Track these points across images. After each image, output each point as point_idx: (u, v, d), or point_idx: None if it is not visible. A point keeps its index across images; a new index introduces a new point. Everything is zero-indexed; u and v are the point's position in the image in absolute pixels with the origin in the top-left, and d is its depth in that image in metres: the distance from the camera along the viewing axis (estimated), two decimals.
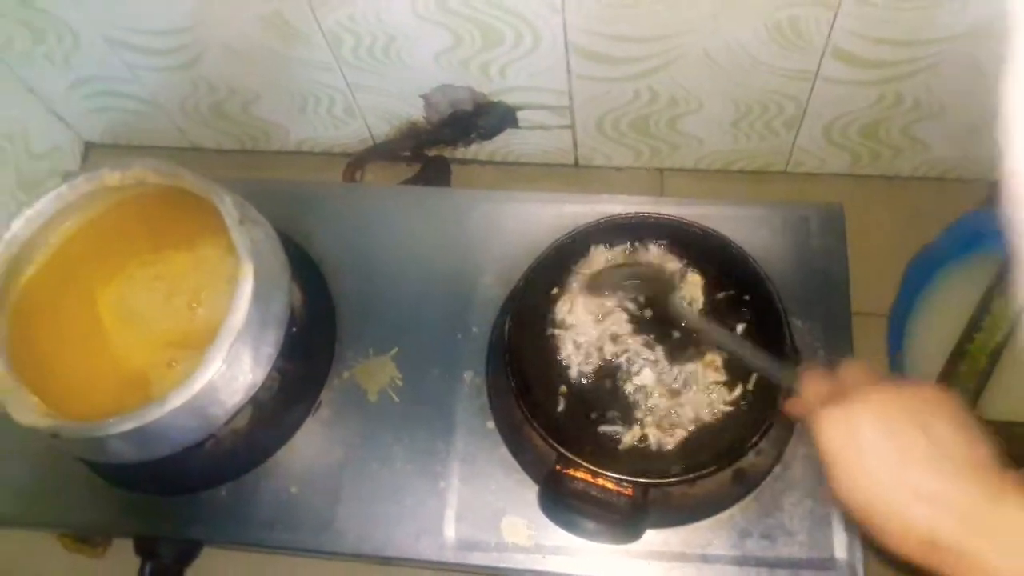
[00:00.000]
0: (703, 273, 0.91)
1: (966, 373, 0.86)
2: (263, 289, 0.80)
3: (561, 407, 0.86)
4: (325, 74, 1.11)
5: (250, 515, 0.87)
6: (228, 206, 0.82)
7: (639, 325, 0.90)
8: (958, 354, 0.87)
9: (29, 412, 0.77)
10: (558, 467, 0.78)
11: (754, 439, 0.76)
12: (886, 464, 0.52)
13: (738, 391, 0.85)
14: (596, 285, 0.90)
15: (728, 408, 0.85)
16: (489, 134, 1.19)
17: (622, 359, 0.89)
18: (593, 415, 0.86)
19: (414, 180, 1.20)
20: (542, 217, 0.97)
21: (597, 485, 0.77)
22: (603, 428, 0.85)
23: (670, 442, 0.84)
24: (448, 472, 0.87)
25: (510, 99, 1.13)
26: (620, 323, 0.90)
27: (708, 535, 0.82)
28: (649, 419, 0.85)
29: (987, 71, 0.94)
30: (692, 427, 0.84)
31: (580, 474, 0.77)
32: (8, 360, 0.80)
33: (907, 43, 0.94)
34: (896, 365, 0.96)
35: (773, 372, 0.70)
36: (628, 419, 0.85)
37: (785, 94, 1.04)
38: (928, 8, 0.88)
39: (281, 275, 0.86)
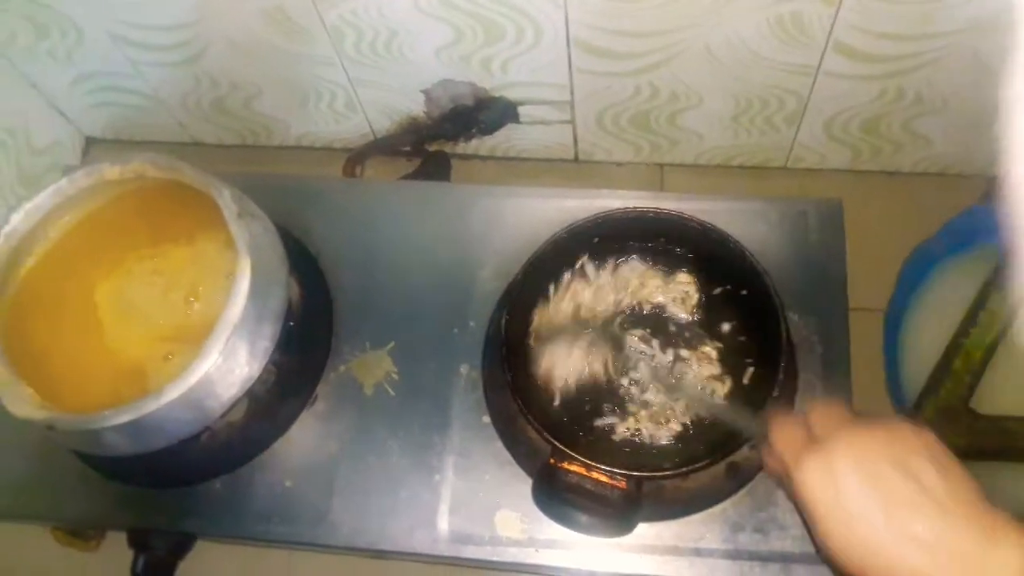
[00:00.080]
0: (700, 267, 0.91)
1: (961, 368, 0.86)
2: (261, 283, 0.80)
3: (556, 401, 0.87)
4: (327, 69, 1.12)
5: (245, 508, 0.87)
6: (227, 200, 0.82)
7: (634, 320, 0.90)
8: (953, 349, 0.87)
9: (24, 404, 0.77)
10: (552, 460, 0.78)
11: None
12: (872, 511, 0.50)
13: (733, 385, 0.85)
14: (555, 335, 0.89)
15: (723, 401, 0.85)
16: (490, 129, 1.19)
17: (620, 351, 0.89)
18: (588, 409, 0.86)
19: (414, 175, 1.20)
20: (542, 212, 0.97)
21: (591, 478, 0.76)
22: (598, 422, 0.85)
23: (664, 436, 0.84)
24: (443, 466, 0.87)
25: (511, 94, 1.13)
26: (613, 300, 0.91)
27: (701, 529, 0.82)
28: (643, 413, 0.85)
29: (989, 66, 0.94)
30: (686, 421, 0.84)
31: (574, 467, 0.77)
32: (3, 352, 0.80)
33: (909, 37, 0.93)
34: (890, 361, 0.96)
35: (737, 424, 0.69)
36: (622, 413, 0.85)
37: (786, 89, 1.04)
38: (930, 2, 0.88)
39: (279, 269, 0.86)
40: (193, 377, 0.76)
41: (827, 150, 1.14)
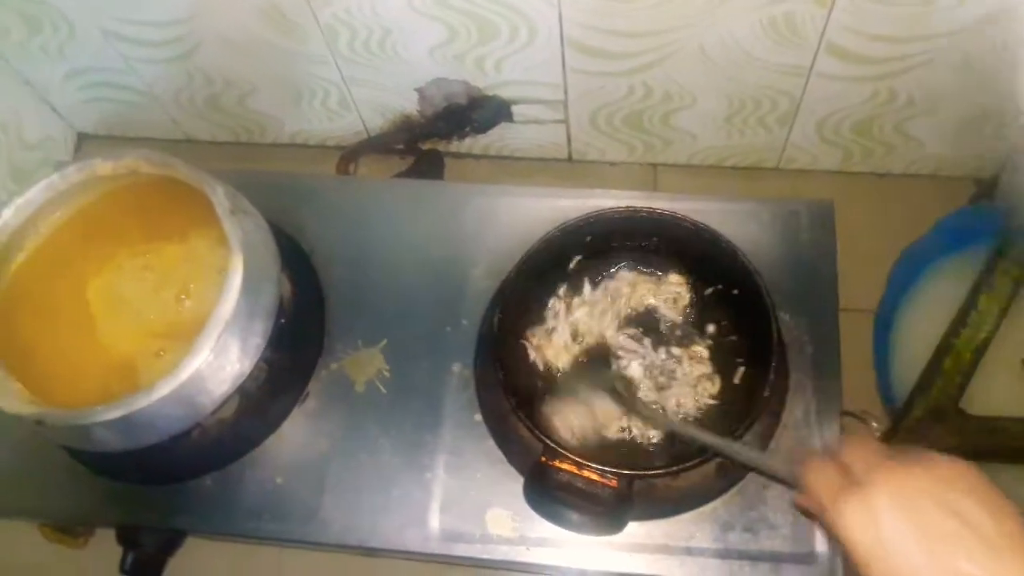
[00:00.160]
0: (692, 267, 0.92)
1: (951, 368, 0.86)
2: (253, 280, 0.80)
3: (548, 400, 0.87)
4: (320, 67, 1.12)
5: (235, 505, 0.87)
6: (220, 196, 0.82)
7: (627, 320, 0.90)
8: (944, 349, 0.87)
9: (13, 399, 0.77)
10: (544, 459, 0.78)
11: (738, 431, 0.76)
12: (914, 550, 0.49)
13: (723, 384, 0.85)
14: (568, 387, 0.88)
15: (713, 401, 0.85)
16: (483, 128, 1.19)
17: (612, 351, 0.89)
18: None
19: (408, 173, 1.20)
20: (535, 211, 0.97)
21: (582, 476, 0.77)
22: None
23: (655, 435, 0.84)
24: (434, 464, 0.87)
25: (505, 93, 1.13)
26: (609, 319, 0.91)
27: (691, 528, 0.82)
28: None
29: (980, 68, 0.94)
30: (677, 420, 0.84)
31: (565, 466, 0.77)
32: None
33: (901, 39, 0.94)
34: (880, 361, 0.96)
35: (773, 469, 0.66)
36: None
37: (779, 90, 1.04)
38: (923, 5, 0.88)
39: (271, 266, 0.86)
40: (184, 373, 0.76)
41: (819, 151, 1.14)
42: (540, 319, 0.92)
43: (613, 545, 0.82)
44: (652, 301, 0.92)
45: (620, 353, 0.89)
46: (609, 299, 0.92)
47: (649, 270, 0.93)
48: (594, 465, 0.76)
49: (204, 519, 0.87)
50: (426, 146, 1.24)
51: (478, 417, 0.89)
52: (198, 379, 0.77)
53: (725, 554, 0.80)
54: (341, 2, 0.99)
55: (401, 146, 1.23)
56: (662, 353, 0.89)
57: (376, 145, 1.24)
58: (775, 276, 0.87)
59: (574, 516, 0.78)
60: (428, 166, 1.21)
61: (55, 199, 0.87)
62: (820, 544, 0.80)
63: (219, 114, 1.24)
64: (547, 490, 0.78)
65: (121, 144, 1.32)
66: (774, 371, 0.78)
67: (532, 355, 0.90)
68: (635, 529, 0.82)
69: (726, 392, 0.85)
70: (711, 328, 0.90)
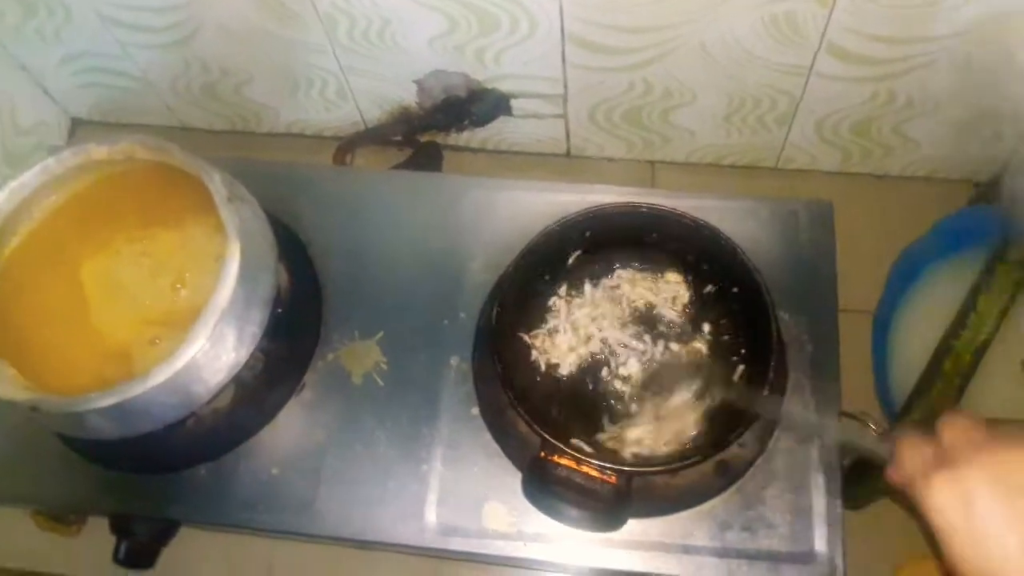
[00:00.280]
0: (691, 265, 0.91)
1: (950, 370, 0.86)
2: (250, 268, 0.79)
3: (547, 394, 0.87)
4: (319, 56, 1.11)
5: (229, 495, 0.86)
6: (217, 183, 0.82)
7: (626, 318, 0.90)
8: (943, 351, 0.87)
9: (7, 385, 0.76)
10: (542, 453, 0.78)
11: (739, 430, 0.76)
12: (1003, 530, 0.48)
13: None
14: None
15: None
16: (482, 121, 1.19)
17: (609, 348, 0.89)
18: (580, 403, 0.86)
19: (405, 165, 1.20)
20: (533, 205, 0.97)
21: (581, 472, 0.77)
22: (590, 416, 0.85)
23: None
24: (431, 457, 0.86)
25: (504, 86, 1.12)
26: (609, 315, 0.91)
27: (689, 526, 0.82)
28: (634, 408, 0.85)
29: (981, 70, 0.94)
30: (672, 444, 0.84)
31: (564, 461, 0.77)
32: None
33: (902, 40, 0.94)
34: (879, 362, 0.96)
35: (865, 443, 0.66)
36: (613, 408, 0.85)
37: (778, 89, 1.04)
38: (924, 6, 0.88)
39: (268, 255, 0.85)
40: (180, 361, 0.75)
41: (817, 151, 1.14)
42: (540, 318, 0.92)
43: (611, 542, 0.82)
44: (651, 299, 0.92)
45: (619, 351, 0.89)
46: (609, 297, 0.92)
47: (648, 267, 0.93)
48: (593, 461, 0.76)
49: (198, 509, 0.87)
50: (424, 138, 1.23)
51: (475, 411, 0.88)
52: (194, 367, 0.76)
53: (723, 553, 0.80)
54: None
55: (399, 138, 1.22)
56: (661, 351, 0.88)
57: (374, 136, 1.23)
58: (774, 275, 0.86)
59: (573, 512, 0.78)
60: (426, 158, 1.20)
61: (50, 183, 0.86)
62: (819, 543, 0.80)
63: (215, 102, 1.23)
64: (546, 485, 0.78)
65: (115, 130, 1.31)
66: (773, 370, 0.78)
67: (534, 355, 0.90)
68: (633, 526, 0.81)
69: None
70: (709, 327, 0.90)
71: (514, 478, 0.83)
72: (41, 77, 1.24)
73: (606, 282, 0.93)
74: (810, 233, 0.94)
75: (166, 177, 0.85)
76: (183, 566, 0.94)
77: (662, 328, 0.90)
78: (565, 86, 1.10)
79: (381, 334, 0.93)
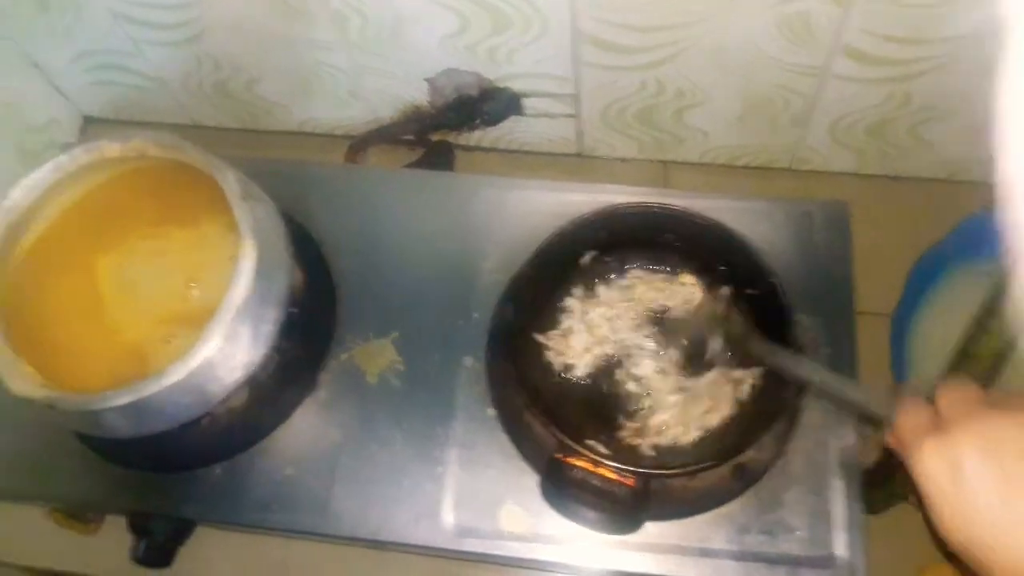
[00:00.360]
0: (706, 266, 0.91)
1: (970, 375, 0.86)
2: (264, 267, 0.79)
3: (562, 395, 0.86)
4: (330, 55, 1.10)
5: (244, 495, 0.86)
6: (231, 182, 0.82)
7: (641, 320, 0.90)
8: (964, 355, 0.86)
9: (24, 382, 0.76)
10: (559, 455, 0.78)
11: (757, 433, 0.76)
12: (991, 496, 0.48)
13: (744, 385, 0.85)
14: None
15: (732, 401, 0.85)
16: (494, 120, 1.18)
17: (625, 349, 0.89)
18: (595, 404, 0.86)
19: (417, 164, 1.19)
20: (545, 204, 0.97)
21: (598, 474, 0.76)
22: (605, 417, 0.85)
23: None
24: (446, 457, 0.86)
25: (516, 86, 1.12)
26: (624, 316, 0.90)
27: (707, 529, 0.81)
28: (651, 410, 0.85)
29: (997, 71, 0.94)
30: (697, 432, 0.84)
31: (581, 463, 0.77)
32: (5, 330, 0.79)
33: (918, 41, 0.93)
34: (897, 366, 0.96)
35: (867, 403, 0.67)
36: (631, 411, 0.85)
37: (793, 90, 1.04)
38: (940, 6, 0.88)
39: (283, 254, 0.85)
40: (195, 360, 0.75)
41: (832, 153, 1.14)
42: (554, 318, 0.91)
43: (628, 545, 0.81)
44: (665, 301, 0.92)
45: (634, 352, 0.89)
46: (623, 298, 0.91)
47: (662, 268, 0.93)
48: (610, 463, 0.76)
49: (213, 508, 0.87)
50: (436, 137, 1.23)
51: (491, 411, 0.88)
52: (208, 366, 0.76)
53: (741, 556, 0.80)
54: None
55: (411, 137, 1.22)
56: (676, 351, 0.88)
57: (385, 135, 1.23)
58: (789, 277, 0.86)
59: (590, 513, 0.78)
60: (438, 157, 1.20)
61: (63, 180, 0.86)
62: (839, 548, 0.79)
63: (227, 100, 1.23)
64: (563, 487, 0.77)
65: (127, 128, 1.30)
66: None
67: (549, 356, 0.89)
68: (650, 529, 0.81)
69: (746, 392, 0.85)
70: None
71: (530, 479, 0.82)
72: (54, 75, 1.24)
73: (620, 283, 0.93)
74: (825, 234, 0.94)
75: (179, 175, 0.85)
76: (199, 565, 0.93)
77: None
78: (577, 85, 1.09)
79: (396, 334, 0.92)
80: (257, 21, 1.06)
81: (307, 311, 0.89)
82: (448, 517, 0.84)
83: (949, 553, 0.52)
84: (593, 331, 0.90)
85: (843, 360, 0.87)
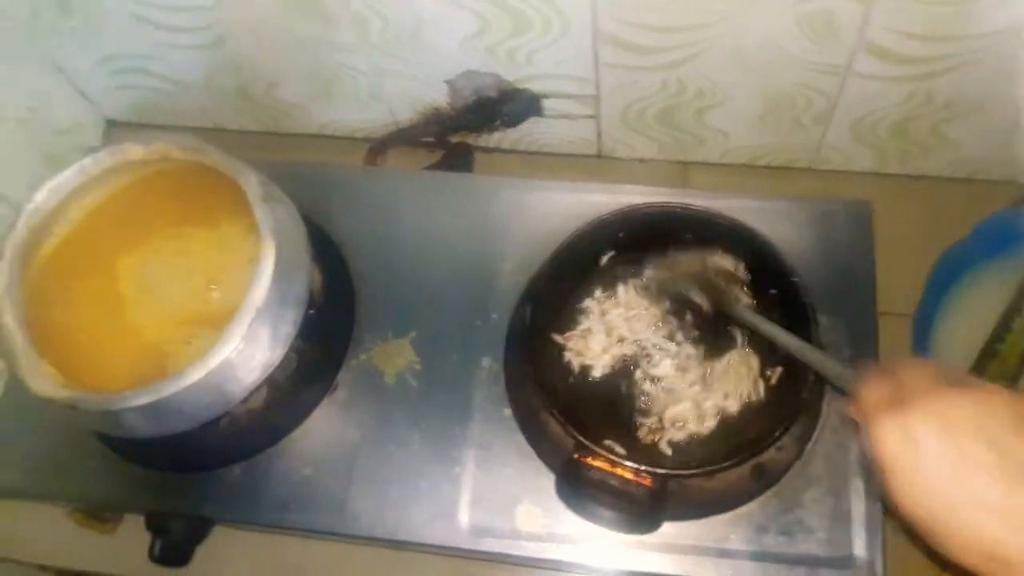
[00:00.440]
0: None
1: (994, 373, 0.85)
2: (284, 268, 0.80)
3: (580, 395, 0.86)
4: (351, 57, 1.11)
5: (263, 495, 0.87)
6: (252, 184, 0.82)
7: (663, 317, 0.89)
8: (988, 354, 0.86)
9: (46, 382, 0.76)
10: (576, 455, 0.78)
11: (776, 434, 0.75)
12: (945, 472, 0.49)
13: (761, 385, 0.84)
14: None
15: (750, 401, 0.84)
16: (513, 122, 1.18)
17: (643, 350, 0.89)
18: (612, 404, 0.85)
19: (436, 166, 1.19)
20: (565, 205, 0.97)
21: (615, 475, 0.76)
22: (622, 417, 0.84)
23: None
24: (464, 458, 0.86)
25: (535, 87, 1.12)
26: (643, 317, 0.90)
27: (725, 529, 0.81)
28: (669, 400, 0.85)
29: (1021, 70, 0.92)
30: (713, 420, 0.83)
31: (598, 463, 0.77)
32: (27, 331, 0.79)
33: (941, 39, 0.92)
34: None
35: (831, 373, 0.68)
36: (648, 410, 0.85)
37: (814, 89, 1.03)
38: (964, 3, 0.87)
39: (302, 255, 0.85)
40: (215, 360, 0.76)
41: (853, 152, 1.13)
42: (573, 319, 0.91)
43: (645, 545, 0.81)
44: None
45: (653, 352, 0.88)
46: (643, 299, 0.91)
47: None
48: (628, 463, 0.76)
49: (231, 508, 0.87)
50: (455, 139, 1.23)
51: (508, 412, 0.88)
52: (228, 367, 0.77)
53: (760, 557, 0.79)
54: None
55: (430, 139, 1.22)
56: (696, 353, 0.88)
57: (405, 137, 1.23)
58: (811, 277, 0.86)
59: (607, 514, 0.77)
60: (457, 159, 1.20)
61: (87, 183, 0.87)
62: (858, 548, 0.79)
63: (248, 103, 1.24)
64: (580, 487, 0.77)
65: (150, 131, 1.31)
66: (814, 373, 0.77)
67: (567, 356, 0.89)
68: (668, 529, 0.81)
69: (763, 392, 0.84)
70: (745, 329, 0.89)
71: (548, 479, 0.82)
72: (77, 79, 1.25)
73: (639, 283, 0.93)
74: (848, 234, 0.93)
75: (201, 177, 0.86)
76: (216, 565, 0.94)
77: (696, 332, 0.89)
78: (597, 86, 1.09)
79: (414, 334, 0.93)
80: (278, 24, 1.06)
81: (326, 312, 0.89)
82: (465, 517, 0.84)
83: (945, 563, 0.51)
84: (612, 332, 0.90)
85: (865, 361, 0.85)
